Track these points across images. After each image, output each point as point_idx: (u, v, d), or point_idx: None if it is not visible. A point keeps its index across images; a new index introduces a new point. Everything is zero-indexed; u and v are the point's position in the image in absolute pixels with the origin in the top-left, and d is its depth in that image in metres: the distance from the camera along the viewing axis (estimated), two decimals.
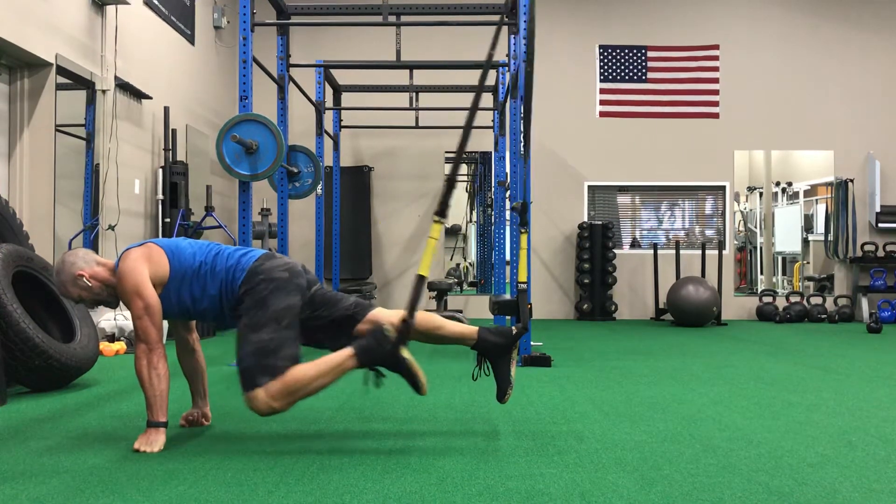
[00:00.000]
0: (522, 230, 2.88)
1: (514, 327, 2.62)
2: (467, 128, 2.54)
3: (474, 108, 2.59)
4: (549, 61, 8.59)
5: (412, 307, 2.42)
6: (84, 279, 2.53)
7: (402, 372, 2.42)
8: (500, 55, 7.04)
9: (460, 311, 7.04)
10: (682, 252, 8.43)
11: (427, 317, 2.59)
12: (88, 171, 5.40)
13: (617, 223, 8.89)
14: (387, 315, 2.59)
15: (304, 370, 2.37)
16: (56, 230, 4.92)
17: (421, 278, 2.41)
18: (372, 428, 2.79)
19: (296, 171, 6.21)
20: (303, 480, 2.08)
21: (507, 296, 5.67)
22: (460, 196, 10.67)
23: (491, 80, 7.73)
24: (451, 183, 2.53)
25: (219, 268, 2.51)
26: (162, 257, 2.51)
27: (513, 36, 5.52)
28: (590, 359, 4.91)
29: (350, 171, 8.59)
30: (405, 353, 2.41)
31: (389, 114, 8.25)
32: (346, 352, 2.40)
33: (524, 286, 2.80)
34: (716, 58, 8.83)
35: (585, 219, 8.81)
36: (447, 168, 9.12)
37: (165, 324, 2.76)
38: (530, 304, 4.42)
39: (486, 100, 8.12)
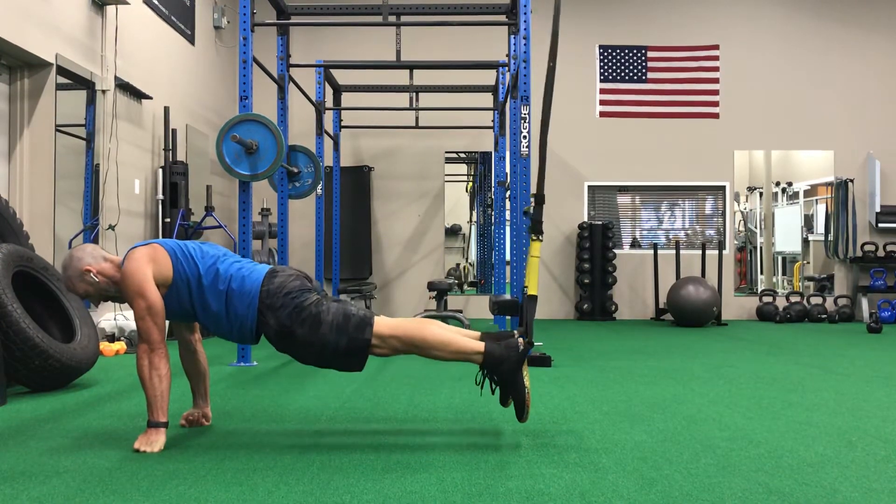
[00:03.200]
0: (534, 238, 2.68)
1: (520, 341, 2.48)
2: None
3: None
4: None
5: (528, 328, 2.47)
6: (91, 275, 2.53)
7: (516, 389, 2.42)
8: (500, 55, 7.06)
9: (460, 311, 7.04)
10: (682, 252, 8.43)
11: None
12: (88, 171, 5.41)
13: (617, 223, 8.89)
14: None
15: (436, 330, 2.45)
16: (56, 230, 4.92)
17: (533, 298, 2.49)
18: (372, 428, 2.79)
19: (296, 171, 6.21)
20: (303, 480, 2.08)
21: (507, 296, 5.66)
22: (460, 196, 10.67)
23: (491, 80, 7.74)
24: (540, 200, 2.56)
25: (222, 286, 2.51)
26: (166, 259, 2.51)
27: (513, 36, 5.53)
28: (590, 359, 4.91)
29: (350, 171, 8.59)
30: (525, 373, 2.43)
31: (389, 114, 8.25)
32: (479, 345, 2.45)
33: (534, 296, 2.61)
34: (716, 58, 8.83)
35: (585, 219, 8.81)
36: (447, 168, 9.13)
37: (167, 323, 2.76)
38: None
39: (487, 100, 8.12)
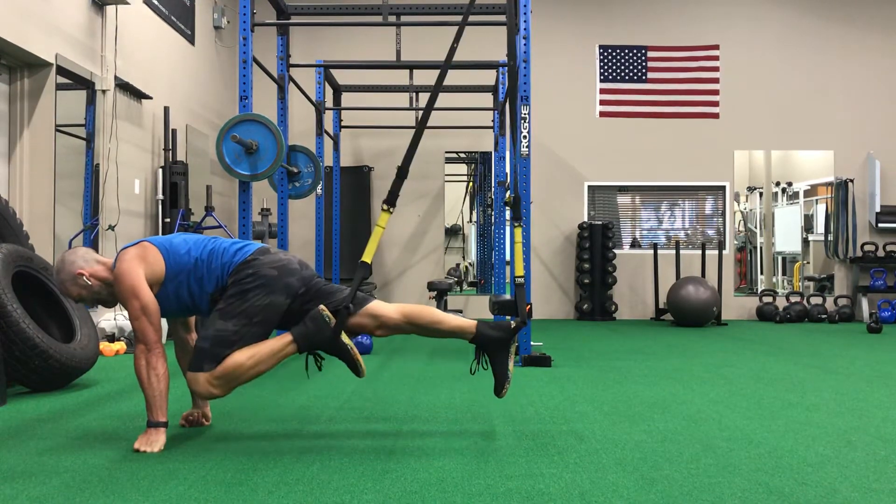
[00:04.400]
0: (517, 224, 2.87)
1: (512, 321, 2.61)
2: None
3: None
4: (549, 61, 8.60)
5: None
6: (84, 278, 2.53)
7: (343, 356, 2.50)
8: (500, 55, 7.06)
9: (460, 311, 7.04)
10: (682, 252, 8.43)
11: (426, 311, 2.60)
12: (88, 171, 5.40)
13: (617, 223, 8.89)
14: (387, 308, 2.59)
15: (242, 358, 2.44)
16: (56, 230, 4.92)
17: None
18: (372, 428, 2.79)
19: (296, 171, 6.21)
20: (303, 480, 2.08)
21: (507, 296, 5.67)
22: (460, 196, 10.67)
23: (491, 80, 7.74)
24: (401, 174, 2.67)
25: (214, 264, 2.53)
26: (157, 256, 2.51)
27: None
28: (590, 359, 4.91)
29: (350, 171, 8.59)
30: (344, 339, 2.49)
31: (389, 114, 8.25)
32: (286, 338, 2.48)
33: (521, 280, 2.79)
34: (716, 58, 8.83)
35: (585, 219, 8.81)
36: (447, 168, 9.13)
37: (165, 323, 2.76)
38: (530, 304, 4.42)
39: (487, 100, 8.12)
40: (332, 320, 2.47)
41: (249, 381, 2.49)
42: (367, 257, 2.55)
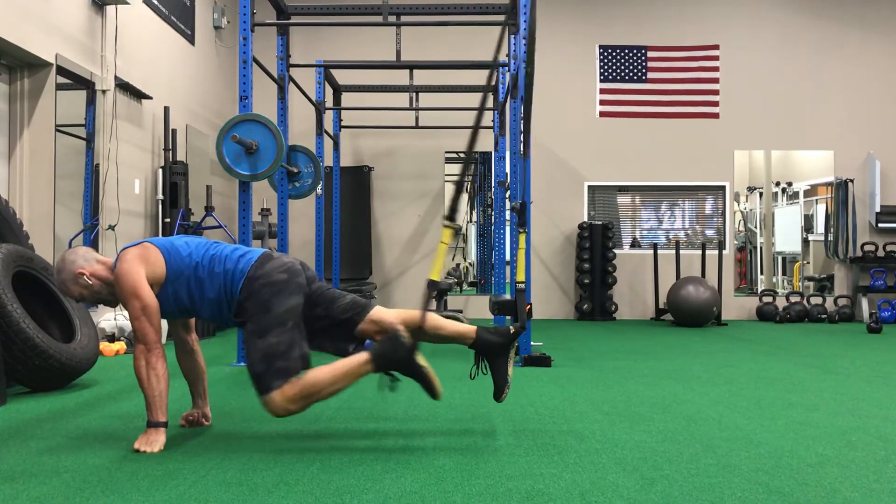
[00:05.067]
0: (521, 230, 2.88)
1: (511, 326, 2.61)
2: (475, 128, 2.55)
3: (481, 110, 2.63)
4: (549, 61, 8.59)
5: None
6: (84, 277, 2.53)
7: (417, 377, 2.46)
8: (500, 55, 7.05)
9: (460, 311, 7.04)
10: (682, 252, 8.43)
11: (426, 316, 2.58)
12: (88, 171, 5.40)
13: (617, 223, 8.88)
14: (388, 314, 2.60)
15: (321, 374, 2.40)
16: (56, 230, 4.92)
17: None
18: (372, 428, 2.79)
19: (296, 171, 6.21)
20: (303, 480, 2.08)
21: (507, 296, 5.67)
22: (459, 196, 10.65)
23: (491, 80, 7.74)
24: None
25: (217, 270, 2.51)
26: (158, 257, 2.51)
27: (513, 36, 5.52)
28: (590, 359, 4.91)
29: (350, 171, 8.58)
30: (420, 359, 2.46)
31: (389, 114, 8.25)
32: (363, 357, 2.44)
33: (522, 286, 2.79)
34: (716, 58, 8.83)
35: (585, 219, 8.81)
36: (447, 168, 9.13)
37: (165, 324, 2.76)
38: (530, 305, 4.42)
39: (486, 99, 8.12)
40: (407, 340, 2.44)
41: (325, 398, 2.42)
42: (434, 275, 2.53)
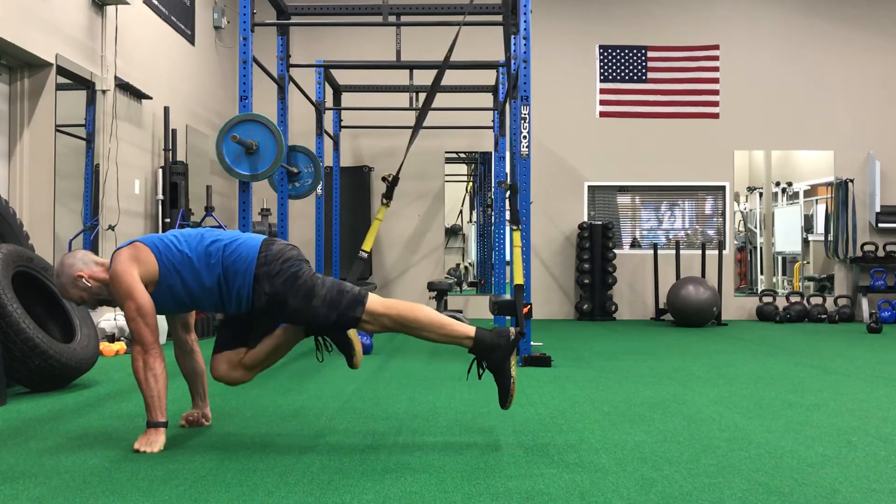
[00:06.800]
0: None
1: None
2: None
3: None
4: (549, 61, 8.59)
5: (519, 318, 2.52)
6: (83, 280, 2.53)
7: (503, 377, 2.47)
8: (500, 55, 7.05)
9: (460, 311, 7.04)
10: (682, 252, 8.43)
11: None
12: (88, 171, 5.40)
13: (617, 223, 8.88)
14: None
15: (424, 310, 2.49)
16: (56, 230, 4.92)
17: (519, 287, 2.49)
18: (372, 428, 2.79)
19: (296, 171, 6.21)
20: (303, 481, 2.08)
21: (507, 296, 5.66)
22: (460, 196, 10.67)
23: (491, 80, 7.74)
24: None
25: (214, 259, 2.50)
26: (149, 256, 2.50)
27: (513, 36, 5.52)
28: (590, 359, 4.91)
29: (350, 171, 8.59)
30: (513, 363, 2.47)
31: (389, 114, 8.25)
32: (469, 330, 2.48)
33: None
34: (716, 58, 8.83)
35: (585, 219, 8.81)
36: (447, 168, 9.13)
37: (165, 324, 2.76)
38: (530, 305, 4.41)
39: (486, 100, 8.12)
40: (513, 341, 2.47)
41: (413, 331, 2.47)
42: (518, 279, 2.53)
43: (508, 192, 2.86)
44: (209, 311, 2.65)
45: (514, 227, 2.77)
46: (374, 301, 2.49)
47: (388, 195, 2.92)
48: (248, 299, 2.51)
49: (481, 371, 2.52)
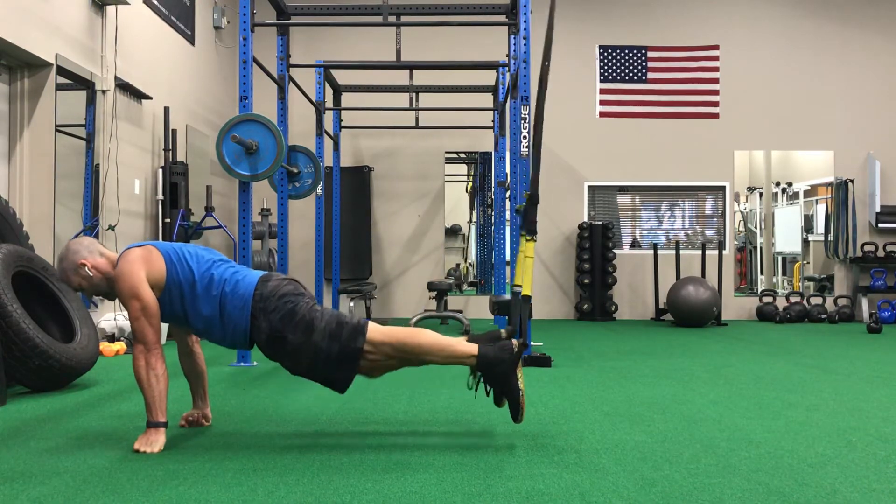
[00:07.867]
0: (528, 238, 2.68)
1: (514, 341, 2.47)
2: None
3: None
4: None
5: (521, 329, 2.41)
6: (86, 269, 2.53)
7: (508, 395, 2.41)
8: (500, 55, 7.05)
9: (460, 312, 7.04)
10: (682, 252, 8.43)
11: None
12: (88, 171, 5.41)
13: (617, 223, 8.88)
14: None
15: (425, 334, 2.44)
16: (56, 230, 4.92)
17: (527, 298, 2.39)
18: (372, 428, 2.79)
19: (296, 171, 6.21)
20: (303, 480, 2.08)
21: (507, 296, 5.66)
22: (460, 196, 10.67)
23: (491, 80, 7.74)
24: (534, 199, 2.54)
25: (214, 292, 2.51)
26: (160, 262, 2.51)
27: (513, 36, 5.53)
28: (590, 359, 4.91)
29: (350, 171, 8.59)
30: (519, 375, 2.42)
31: (389, 114, 8.25)
32: (471, 348, 2.42)
33: (518, 289, 2.62)
34: (716, 58, 8.83)
35: (585, 219, 8.81)
36: (447, 168, 9.13)
37: (165, 325, 2.76)
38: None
39: (487, 100, 8.12)
40: (516, 353, 2.41)
41: (414, 359, 2.44)
42: (527, 290, 2.46)
43: (525, 204, 2.77)
44: (207, 339, 2.62)
45: (529, 238, 2.66)
46: (374, 330, 2.44)
47: (530, 228, 2.66)
48: (244, 337, 2.52)
49: (488, 388, 2.46)
